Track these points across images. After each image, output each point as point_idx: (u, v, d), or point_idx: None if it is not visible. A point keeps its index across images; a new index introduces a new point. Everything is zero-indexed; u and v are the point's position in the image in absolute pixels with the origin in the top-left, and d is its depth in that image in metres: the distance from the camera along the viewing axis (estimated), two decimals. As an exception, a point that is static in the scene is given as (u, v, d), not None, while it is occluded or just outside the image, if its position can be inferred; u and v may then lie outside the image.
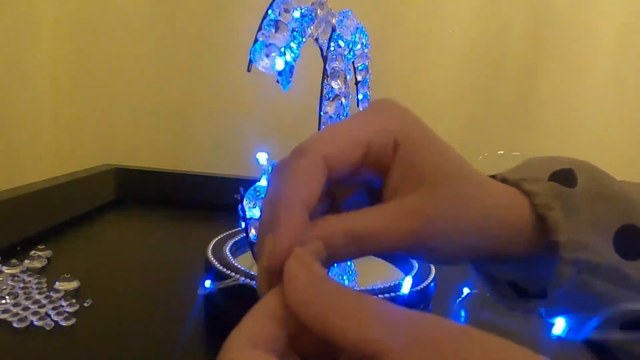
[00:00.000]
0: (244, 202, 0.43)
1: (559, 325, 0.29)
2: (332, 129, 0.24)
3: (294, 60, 0.42)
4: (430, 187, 0.24)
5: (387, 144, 0.24)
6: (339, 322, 0.18)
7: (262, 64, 0.41)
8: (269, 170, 0.46)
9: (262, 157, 0.47)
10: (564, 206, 0.27)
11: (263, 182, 0.45)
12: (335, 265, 0.47)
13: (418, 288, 0.48)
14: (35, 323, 0.42)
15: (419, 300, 0.49)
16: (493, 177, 0.30)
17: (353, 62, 0.53)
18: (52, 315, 0.44)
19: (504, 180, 0.29)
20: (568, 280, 0.26)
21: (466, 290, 0.52)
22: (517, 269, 0.30)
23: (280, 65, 0.41)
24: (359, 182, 0.27)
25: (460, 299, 0.52)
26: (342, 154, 0.23)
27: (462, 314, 0.51)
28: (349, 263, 0.51)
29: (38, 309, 0.44)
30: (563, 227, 0.26)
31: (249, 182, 0.44)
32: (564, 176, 0.28)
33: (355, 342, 0.17)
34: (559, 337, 0.29)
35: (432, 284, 0.51)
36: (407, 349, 0.16)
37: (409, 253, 0.25)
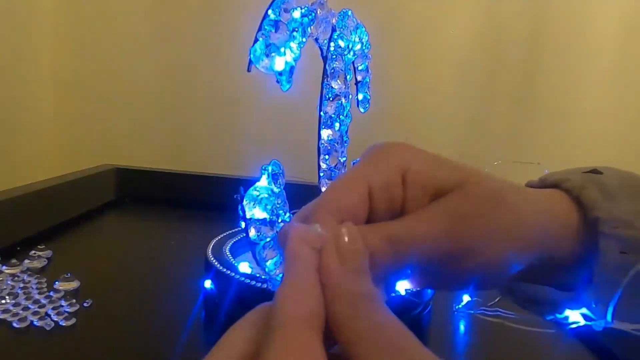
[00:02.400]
0: (244, 202, 0.43)
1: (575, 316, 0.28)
2: (329, 187, 0.24)
3: (294, 61, 0.42)
4: (457, 191, 0.23)
5: (392, 179, 0.24)
6: (347, 335, 0.17)
7: (262, 64, 0.41)
8: (269, 170, 0.46)
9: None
10: (599, 189, 0.26)
11: (263, 182, 0.45)
12: None
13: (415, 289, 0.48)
14: (35, 323, 0.42)
15: (416, 302, 0.49)
16: None
17: (353, 62, 0.53)
18: (52, 315, 0.44)
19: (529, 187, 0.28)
20: (612, 258, 0.25)
21: (466, 298, 0.52)
22: (559, 278, 0.28)
23: (280, 65, 0.41)
24: None
25: (460, 305, 0.52)
26: (342, 205, 0.22)
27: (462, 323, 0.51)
28: None
29: (38, 309, 0.44)
30: (601, 204, 0.25)
31: (249, 182, 0.44)
32: (591, 172, 0.28)
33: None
34: (574, 328, 0.28)
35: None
36: None
37: (448, 263, 0.24)
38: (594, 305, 0.26)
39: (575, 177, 0.27)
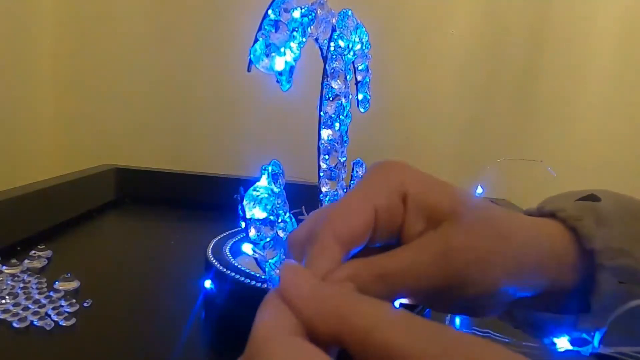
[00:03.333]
0: (244, 202, 0.43)
1: (563, 340, 0.28)
2: (338, 207, 0.24)
3: (294, 60, 0.42)
4: (451, 221, 0.23)
5: (393, 201, 0.24)
6: (359, 323, 0.16)
7: (262, 64, 0.41)
8: (269, 170, 0.46)
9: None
10: (595, 218, 0.26)
11: (263, 182, 0.45)
12: None
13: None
14: (35, 323, 0.42)
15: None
16: None
17: (353, 62, 0.53)
18: (52, 315, 0.44)
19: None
20: (609, 289, 0.24)
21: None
22: (557, 304, 0.27)
23: (280, 65, 0.41)
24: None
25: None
26: (351, 229, 0.23)
27: (457, 320, 0.50)
28: None
29: (38, 309, 0.44)
30: (597, 234, 0.25)
31: (249, 182, 0.44)
32: (587, 199, 0.28)
33: (378, 346, 0.16)
34: (564, 350, 0.28)
35: None
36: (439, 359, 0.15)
37: (442, 293, 0.24)
38: (592, 334, 0.26)
39: (571, 206, 0.27)
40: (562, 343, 0.28)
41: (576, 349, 0.27)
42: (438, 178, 0.26)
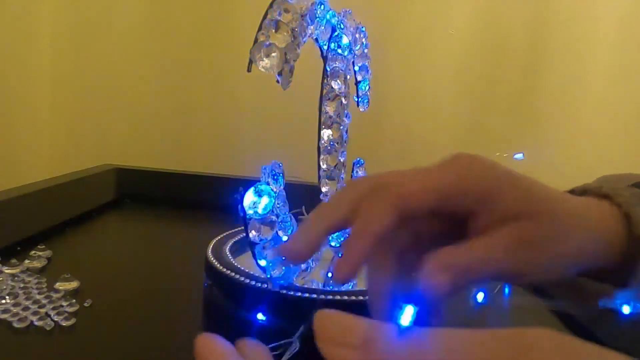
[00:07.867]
0: (244, 202, 0.43)
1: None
2: (414, 172, 0.26)
3: (294, 60, 0.42)
4: (530, 222, 0.25)
5: (465, 199, 0.26)
6: None
7: (262, 64, 0.41)
8: (269, 170, 0.46)
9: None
10: None
11: (263, 182, 0.45)
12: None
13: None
14: (35, 323, 0.42)
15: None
16: (571, 191, 0.32)
17: (353, 62, 0.53)
18: (52, 315, 0.44)
19: (583, 192, 0.31)
20: None
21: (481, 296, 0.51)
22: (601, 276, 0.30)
23: (280, 65, 0.41)
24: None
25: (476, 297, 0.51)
26: (416, 197, 0.25)
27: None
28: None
29: (38, 309, 0.44)
30: None
31: (249, 182, 0.44)
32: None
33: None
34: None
35: None
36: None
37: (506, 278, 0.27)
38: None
39: (628, 192, 0.29)
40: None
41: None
42: (509, 171, 0.27)
